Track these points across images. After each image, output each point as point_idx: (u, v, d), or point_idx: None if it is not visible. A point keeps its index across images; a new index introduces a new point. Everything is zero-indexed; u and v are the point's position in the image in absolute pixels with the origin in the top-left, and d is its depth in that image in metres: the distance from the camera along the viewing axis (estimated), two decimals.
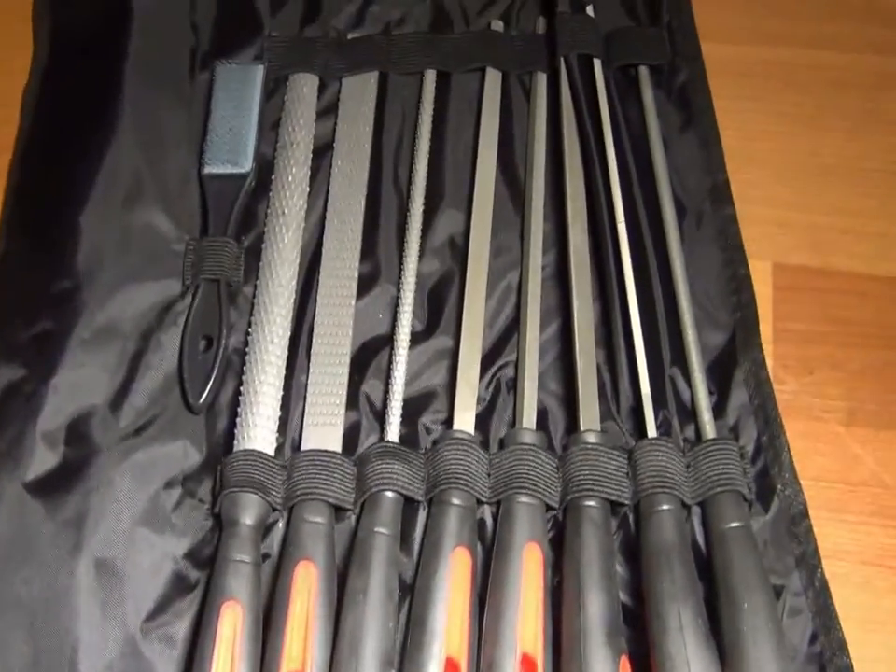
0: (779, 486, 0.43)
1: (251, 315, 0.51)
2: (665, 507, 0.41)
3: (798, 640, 0.40)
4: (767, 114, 0.57)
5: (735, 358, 0.46)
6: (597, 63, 0.55)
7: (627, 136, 0.53)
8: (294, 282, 0.51)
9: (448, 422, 0.45)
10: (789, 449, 0.44)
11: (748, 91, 0.58)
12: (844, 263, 0.51)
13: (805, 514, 0.43)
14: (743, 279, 0.48)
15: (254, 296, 0.51)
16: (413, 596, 0.41)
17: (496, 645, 0.38)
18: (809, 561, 0.42)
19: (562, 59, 0.55)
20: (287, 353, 0.49)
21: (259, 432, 0.47)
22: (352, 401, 0.47)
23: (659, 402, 0.45)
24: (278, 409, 0.48)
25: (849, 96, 0.57)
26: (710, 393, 0.45)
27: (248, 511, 0.43)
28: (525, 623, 0.38)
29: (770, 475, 0.43)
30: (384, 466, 0.43)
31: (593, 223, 0.49)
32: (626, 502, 0.42)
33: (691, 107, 0.53)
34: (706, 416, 0.44)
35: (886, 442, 0.47)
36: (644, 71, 0.56)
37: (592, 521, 0.41)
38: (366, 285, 0.51)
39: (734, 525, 0.40)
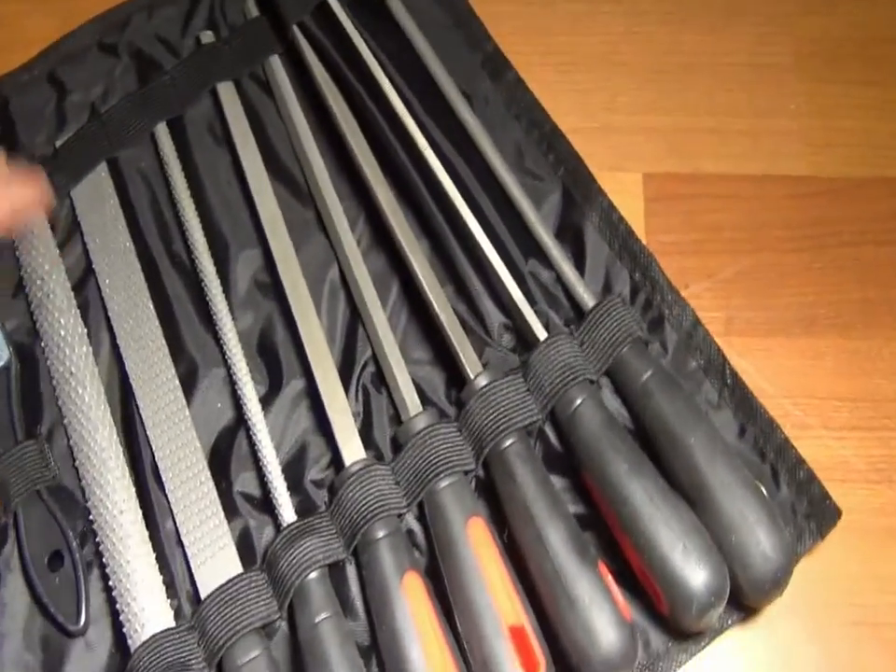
0: (666, 311, 0.64)
1: (85, 499, 0.67)
2: (580, 399, 0.59)
3: (729, 439, 0.61)
4: (627, 15, 0.77)
5: (582, 212, 0.67)
6: (334, 4, 0.75)
7: (394, 57, 0.73)
8: (114, 436, 0.67)
9: (335, 462, 0.62)
10: (663, 273, 0.65)
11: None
12: (712, 166, 0.71)
13: (697, 323, 0.64)
14: (551, 134, 0.70)
15: (79, 478, 0.67)
16: (378, 654, 0.57)
17: (481, 643, 0.54)
18: (715, 363, 0.63)
19: (296, 27, 0.74)
20: (140, 513, 0.66)
21: (150, 614, 0.61)
22: (231, 510, 0.62)
23: (530, 303, 0.64)
24: (159, 578, 0.62)
25: None
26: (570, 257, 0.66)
27: None
28: (499, 599, 0.55)
29: (654, 306, 0.65)
30: (294, 553, 0.58)
31: (392, 169, 0.69)
32: (539, 418, 0.60)
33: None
34: (579, 288, 0.64)
35: (765, 350, 0.66)
36: None
37: (518, 457, 0.58)
38: (190, 383, 0.67)
39: (649, 374, 0.59)
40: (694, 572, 0.53)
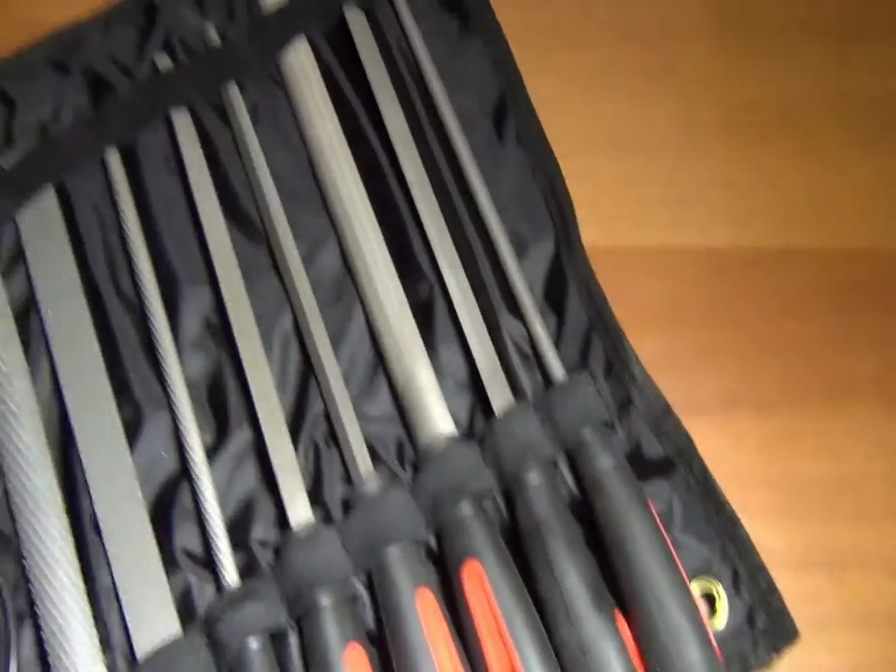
0: (636, 394, 0.63)
1: (20, 545, 0.63)
2: (532, 478, 0.58)
3: (695, 523, 0.61)
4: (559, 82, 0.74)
5: (564, 275, 0.66)
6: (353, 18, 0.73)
7: (408, 74, 0.71)
8: (53, 479, 0.63)
9: (281, 520, 0.59)
10: (634, 353, 0.64)
11: (528, 60, 0.74)
12: (633, 238, 0.71)
13: (668, 410, 0.63)
14: (554, 174, 0.68)
15: (14, 522, 0.63)
16: None
17: None
18: (684, 453, 0.62)
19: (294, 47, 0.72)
20: (77, 563, 0.62)
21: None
22: (171, 566, 0.60)
23: (502, 360, 0.63)
24: (94, 633, 0.59)
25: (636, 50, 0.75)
26: (551, 313, 0.65)
27: None
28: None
29: (624, 385, 0.63)
30: (236, 618, 0.56)
31: (378, 196, 0.67)
32: (491, 491, 0.60)
33: (465, 8, 0.72)
34: (551, 357, 0.63)
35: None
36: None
37: (473, 524, 0.57)
38: (134, 429, 0.64)
39: (604, 463, 0.58)
40: None
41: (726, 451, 0.65)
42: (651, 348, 0.66)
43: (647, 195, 0.72)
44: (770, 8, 0.77)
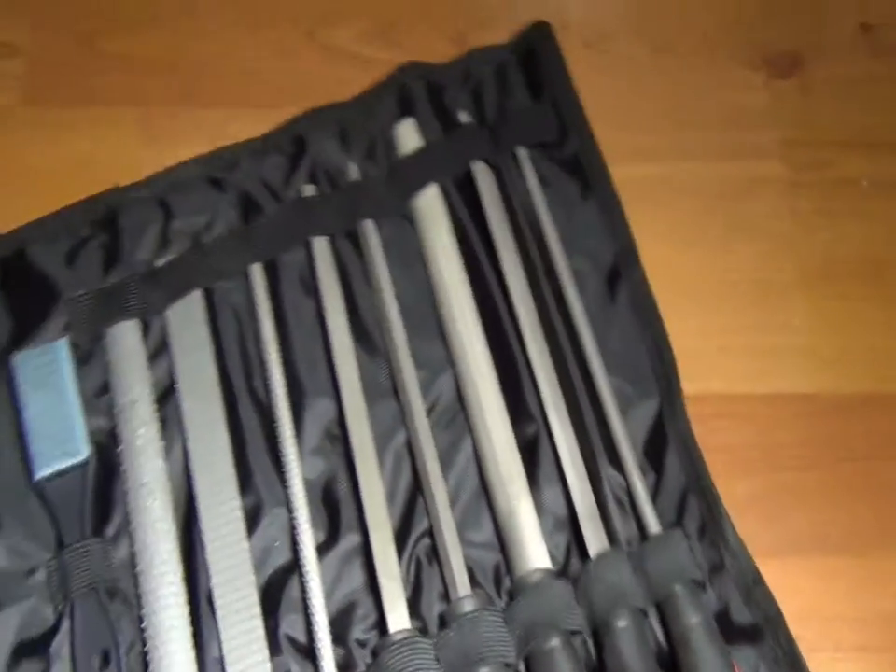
0: (728, 559, 0.66)
1: (140, 607, 0.70)
2: (623, 625, 0.61)
3: None
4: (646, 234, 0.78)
5: (665, 435, 0.70)
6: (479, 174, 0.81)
7: (528, 229, 0.77)
8: (176, 552, 0.71)
9: (380, 625, 0.65)
10: (729, 519, 0.67)
11: None
12: (721, 385, 0.75)
13: (759, 579, 0.65)
14: (662, 339, 0.73)
15: (136, 586, 0.71)
16: None
17: None
18: (773, 622, 0.65)
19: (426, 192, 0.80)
20: (190, 631, 0.68)
21: None
22: (274, 650, 0.65)
23: (600, 506, 0.67)
24: None
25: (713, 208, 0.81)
26: (650, 470, 0.70)
27: None
28: None
29: (717, 549, 0.67)
30: None
31: (493, 337, 0.74)
32: (584, 630, 0.62)
33: (585, 174, 0.79)
34: (647, 511, 0.66)
35: (777, 570, 0.67)
36: (523, 152, 0.81)
37: (561, 658, 0.61)
38: (253, 518, 0.71)
39: (693, 622, 0.61)
40: None
41: (816, 590, 0.68)
42: (743, 491, 0.71)
43: (733, 343, 0.76)
44: (841, 170, 0.83)
